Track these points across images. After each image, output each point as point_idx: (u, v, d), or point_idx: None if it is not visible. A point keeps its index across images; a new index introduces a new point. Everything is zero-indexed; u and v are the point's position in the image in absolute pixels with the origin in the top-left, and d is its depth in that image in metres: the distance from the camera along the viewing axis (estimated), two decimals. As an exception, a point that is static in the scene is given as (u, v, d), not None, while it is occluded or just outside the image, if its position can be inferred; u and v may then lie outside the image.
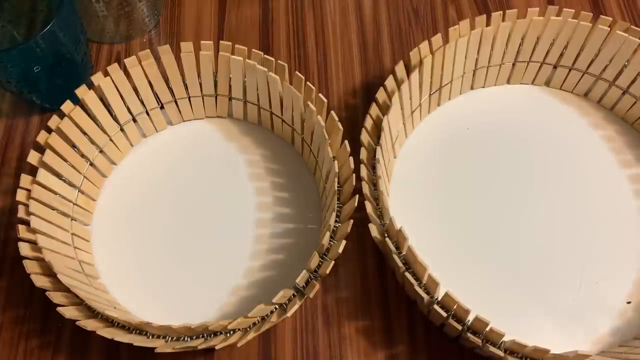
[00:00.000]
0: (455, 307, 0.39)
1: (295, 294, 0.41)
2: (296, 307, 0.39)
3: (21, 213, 0.42)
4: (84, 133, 0.47)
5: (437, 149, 0.52)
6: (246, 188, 0.50)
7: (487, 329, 0.38)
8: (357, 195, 0.42)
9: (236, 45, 0.48)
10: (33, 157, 0.44)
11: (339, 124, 0.44)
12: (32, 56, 0.46)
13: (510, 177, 0.50)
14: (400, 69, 0.48)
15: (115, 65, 0.47)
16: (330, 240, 0.42)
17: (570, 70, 0.52)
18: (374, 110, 0.47)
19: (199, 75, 0.50)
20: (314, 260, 0.40)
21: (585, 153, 0.51)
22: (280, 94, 0.48)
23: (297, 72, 0.46)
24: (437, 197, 0.49)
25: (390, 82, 0.48)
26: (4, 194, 0.51)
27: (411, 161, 0.51)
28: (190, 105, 0.52)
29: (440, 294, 0.39)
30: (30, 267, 0.41)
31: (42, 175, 0.44)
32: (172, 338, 0.40)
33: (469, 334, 0.39)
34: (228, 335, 0.39)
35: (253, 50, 0.48)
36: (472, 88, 0.54)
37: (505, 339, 0.38)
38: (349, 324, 0.45)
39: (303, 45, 0.58)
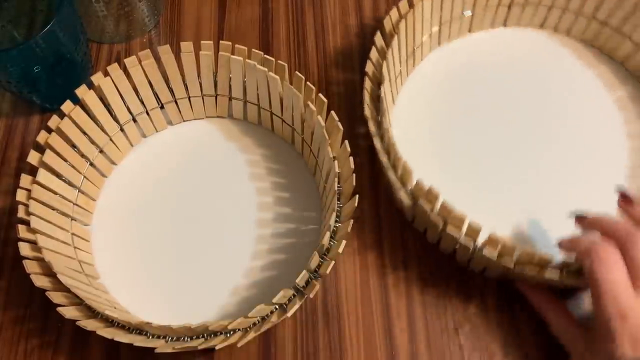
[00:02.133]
0: (500, 245, 0.40)
1: (295, 294, 0.41)
2: (296, 307, 0.39)
3: (21, 213, 0.42)
4: (84, 133, 0.47)
5: (435, 96, 0.54)
6: (246, 188, 0.50)
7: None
8: (357, 195, 0.42)
9: (236, 45, 0.48)
10: (33, 157, 0.44)
11: (339, 124, 0.44)
12: (32, 56, 0.46)
13: (510, 114, 0.53)
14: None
15: (115, 65, 0.47)
16: (330, 240, 0.42)
17: (577, 16, 0.54)
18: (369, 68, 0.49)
19: (199, 75, 0.50)
20: (314, 260, 0.40)
21: (581, 92, 0.54)
22: (280, 94, 0.48)
23: (297, 72, 0.46)
24: (439, 147, 0.52)
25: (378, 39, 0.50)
26: (4, 194, 0.51)
27: (409, 113, 0.53)
28: (190, 105, 0.52)
29: (480, 239, 0.41)
30: (30, 267, 0.41)
31: (42, 175, 0.44)
32: (172, 338, 0.40)
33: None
34: (228, 335, 0.39)
35: (253, 50, 0.48)
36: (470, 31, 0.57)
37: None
38: (349, 324, 0.45)
39: (303, 45, 0.58)
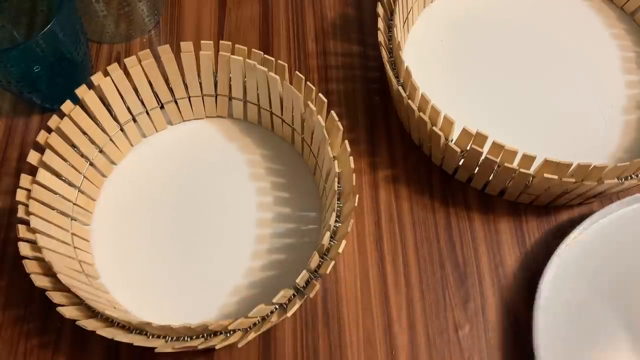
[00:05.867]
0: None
1: (296, 294, 0.41)
2: (296, 307, 0.39)
3: (21, 213, 0.42)
4: (84, 133, 0.47)
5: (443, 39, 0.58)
6: (246, 188, 0.50)
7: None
8: (357, 195, 0.42)
9: (236, 45, 0.48)
10: (33, 157, 0.44)
11: (339, 123, 0.44)
12: (32, 56, 0.46)
13: (517, 50, 0.57)
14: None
15: (115, 65, 0.47)
16: (330, 240, 0.42)
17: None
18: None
19: (199, 75, 0.50)
20: (314, 260, 0.40)
21: (579, 27, 0.59)
22: (280, 94, 0.48)
23: (297, 72, 0.46)
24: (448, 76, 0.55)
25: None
26: (4, 194, 0.51)
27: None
28: (190, 105, 0.52)
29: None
30: (30, 267, 0.41)
31: (42, 175, 0.44)
32: (172, 338, 0.40)
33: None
34: (228, 335, 0.39)
35: (253, 50, 0.48)
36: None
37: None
38: (349, 324, 0.45)
39: (303, 45, 0.58)
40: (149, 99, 0.50)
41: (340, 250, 0.40)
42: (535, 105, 0.53)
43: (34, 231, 0.41)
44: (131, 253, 0.47)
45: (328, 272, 0.40)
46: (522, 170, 0.44)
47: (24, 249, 0.41)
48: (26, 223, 0.42)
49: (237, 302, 0.45)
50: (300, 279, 0.40)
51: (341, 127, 0.44)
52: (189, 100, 0.51)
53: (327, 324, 0.45)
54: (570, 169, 0.42)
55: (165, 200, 0.50)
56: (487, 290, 0.46)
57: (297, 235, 0.48)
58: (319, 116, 0.44)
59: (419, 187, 0.51)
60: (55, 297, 0.40)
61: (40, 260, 0.41)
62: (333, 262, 0.40)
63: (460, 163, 0.47)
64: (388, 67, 0.49)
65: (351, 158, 0.43)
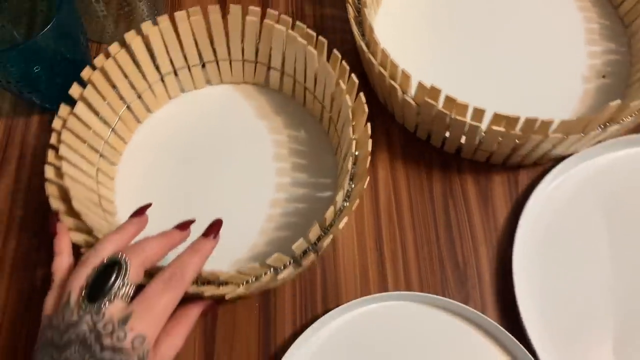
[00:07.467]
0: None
1: (292, 261, 0.42)
2: (288, 272, 0.40)
3: (53, 140, 0.44)
4: (126, 76, 0.49)
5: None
6: (268, 159, 0.51)
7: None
8: (368, 177, 0.42)
9: (281, 15, 0.48)
10: (75, 91, 0.46)
11: (365, 106, 0.44)
12: (32, 56, 0.46)
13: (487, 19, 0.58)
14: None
15: (165, 16, 0.48)
16: (335, 217, 0.42)
17: None
18: None
19: (242, 40, 0.51)
20: (313, 231, 0.40)
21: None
22: (316, 69, 0.48)
23: (335, 50, 0.47)
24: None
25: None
26: (4, 193, 0.51)
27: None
28: (230, 68, 0.53)
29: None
30: (50, 190, 0.43)
31: (80, 108, 0.46)
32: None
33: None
34: (220, 287, 0.40)
35: (297, 22, 0.48)
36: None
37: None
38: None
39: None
40: (191, 55, 0.51)
41: (340, 227, 0.40)
42: (501, 72, 0.55)
43: (60, 158, 0.43)
44: (152, 199, 0.48)
45: (325, 245, 0.40)
46: (472, 123, 0.45)
47: (49, 172, 0.43)
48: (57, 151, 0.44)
49: (251, 257, 0.46)
50: (297, 246, 0.40)
51: (366, 110, 0.44)
52: (230, 63, 0.53)
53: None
54: (519, 124, 0.44)
55: (191, 154, 0.51)
56: (487, 292, 0.46)
57: (312, 202, 0.49)
58: (347, 95, 0.45)
59: (418, 184, 0.51)
60: (67, 220, 0.42)
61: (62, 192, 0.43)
62: (331, 236, 0.40)
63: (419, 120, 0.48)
64: (353, 23, 0.50)
65: (370, 141, 0.43)
